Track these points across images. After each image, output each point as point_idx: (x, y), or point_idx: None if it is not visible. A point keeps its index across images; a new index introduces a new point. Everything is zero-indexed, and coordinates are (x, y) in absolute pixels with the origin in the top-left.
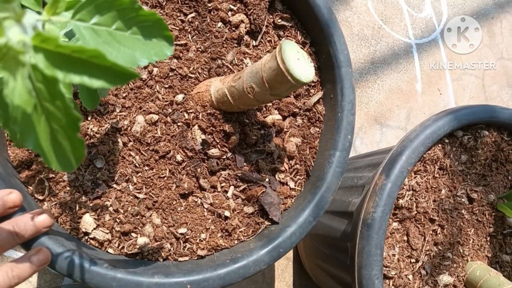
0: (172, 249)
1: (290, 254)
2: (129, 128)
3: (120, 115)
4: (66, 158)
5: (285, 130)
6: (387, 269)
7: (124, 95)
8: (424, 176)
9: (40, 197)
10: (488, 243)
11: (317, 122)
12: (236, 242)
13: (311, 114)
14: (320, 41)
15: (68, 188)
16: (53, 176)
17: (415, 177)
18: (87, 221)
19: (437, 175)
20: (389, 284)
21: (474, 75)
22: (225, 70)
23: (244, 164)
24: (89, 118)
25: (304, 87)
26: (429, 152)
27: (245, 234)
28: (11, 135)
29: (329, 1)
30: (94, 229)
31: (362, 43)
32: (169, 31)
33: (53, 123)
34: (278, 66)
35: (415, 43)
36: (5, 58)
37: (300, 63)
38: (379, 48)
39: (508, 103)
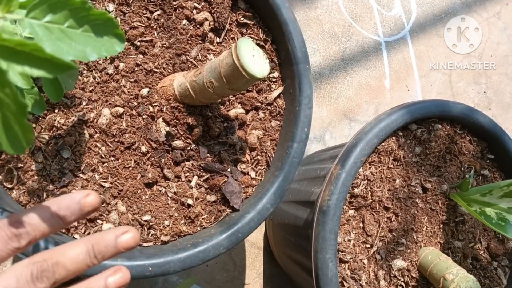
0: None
1: (261, 243)
2: (95, 120)
3: (86, 108)
4: (17, 141)
5: (248, 123)
6: (343, 253)
7: (90, 89)
8: (379, 167)
9: (9, 186)
10: (441, 230)
11: (278, 115)
12: (198, 228)
13: (272, 108)
14: (280, 39)
15: (36, 177)
16: (22, 165)
17: (369, 168)
18: None
19: (392, 166)
20: (344, 268)
21: (441, 71)
22: (189, 65)
23: (208, 155)
24: (56, 111)
25: (266, 82)
26: (383, 144)
27: (208, 221)
28: None
29: None
30: None
31: (333, 40)
32: (120, 28)
33: (4, 109)
34: (233, 62)
35: (384, 41)
36: None
37: (255, 60)
38: (349, 46)
39: (474, 99)
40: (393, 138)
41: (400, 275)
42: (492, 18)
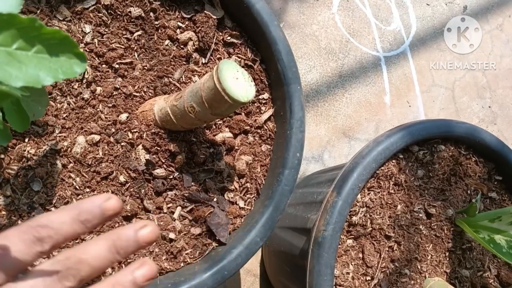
0: (113, 273)
1: (257, 270)
2: (69, 149)
3: (59, 136)
4: None
5: (236, 148)
6: (341, 287)
7: (64, 115)
8: (379, 193)
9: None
10: (447, 259)
11: (269, 139)
12: (182, 264)
13: (262, 132)
14: (269, 58)
15: (3, 212)
16: None
17: (368, 194)
18: None
19: (392, 191)
20: None
21: (444, 86)
22: (172, 88)
23: (192, 183)
24: (26, 140)
25: (255, 104)
26: (382, 168)
27: (192, 256)
28: None
29: (296, 16)
30: None
31: (330, 56)
32: (79, 48)
33: None
34: (215, 86)
35: (384, 56)
36: None
37: (239, 83)
38: (347, 62)
39: (478, 114)
40: (393, 161)
41: None
42: (495, 30)
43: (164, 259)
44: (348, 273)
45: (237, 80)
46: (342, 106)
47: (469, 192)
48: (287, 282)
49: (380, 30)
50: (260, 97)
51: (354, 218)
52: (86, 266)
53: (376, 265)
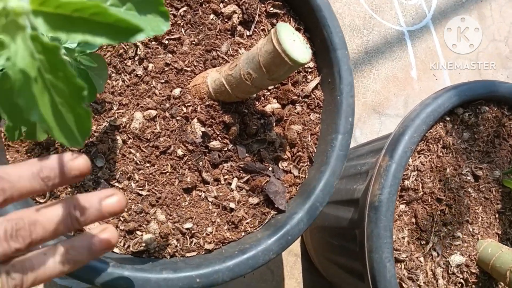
0: (178, 245)
1: (298, 250)
2: (127, 125)
3: (117, 113)
4: (72, 132)
5: (285, 118)
6: (398, 252)
7: (120, 92)
8: (428, 156)
9: (42, 200)
10: (497, 220)
11: (317, 108)
12: (243, 234)
13: (310, 100)
14: (314, 26)
15: (69, 189)
16: None
17: (419, 157)
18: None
19: (441, 154)
20: (400, 268)
21: (468, 58)
22: (221, 61)
23: (246, 154)
24: None
25: (301, 73)
26: (431, 131)
27: (252, 225)
28: (13, 122)
29: None
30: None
31: (355, 33)
32: (164, 6)
33: (56, 95)
34: (274, 48)
35: (407, 31)
36: (5, 23)
37: (296, 44)
38: (371, 38)
39: None
40: (441, 123)
41: (459, 272)
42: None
43: (226, 229)
44: (403, 237)
45: (295, 42)
46: (370, 82)
47: None
48: (333, 256)
49: (402, 4)
50: (305, 66)
51: (406, 182)
52: (39, 229)
53: (430, 229)
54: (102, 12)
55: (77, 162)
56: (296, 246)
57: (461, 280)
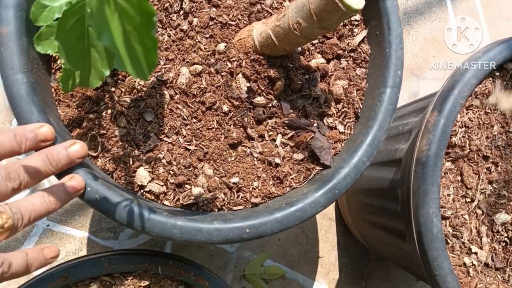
0: (226, 198)
1: (333, 214)
2: (174, 80)
3: (164, 68)
4: (139, 63)
5: (330, 73)
6: (443, 209)
7: (166, 47)
8: (476, 112)
9: (94, 154)
10: None
11: (363, 62)
12: (288, 189)
13: (356, 55)
14: None
15: (120, 143)
16: (105, 132)
17: (467, 113)
18: (142, 174)
19: (489, 111)
20: (445, 225)
21: (510, 19)
22: (265, 14)
23: (291, 110)
24: None
25: (347, 26)
26: (480, 86)
27: (297, 181)
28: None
29: None
30: (149, 182)
31: None
32: None
33: (126, 23)
34: None
35: None
36: None
37: None
38: None
39: None
40: (490, 79)
41: (504, 230)
42: None
43: (271, 184)
44: (449, 194)
45: None
46: (409, 44)
47: None
48: (372, 217)
49: None
50: (351, 18)
51: (453, 138)
52: (25, 172)
53: (475, 186)
54: None
55: (43, 130)
56: (330, 210)
57: (506, 239)
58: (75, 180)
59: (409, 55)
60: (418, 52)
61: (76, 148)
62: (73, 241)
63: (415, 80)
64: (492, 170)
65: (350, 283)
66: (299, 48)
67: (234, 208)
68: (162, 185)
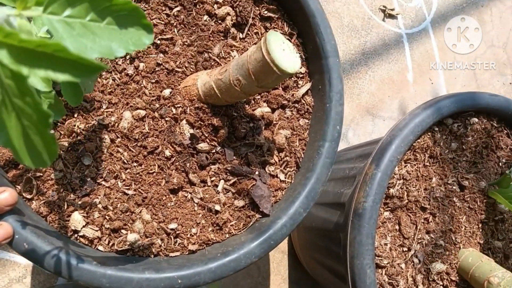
0: (163, 244)
1: (285, 247)
2: (116, 124)
3: (107, 112)
4: (38, 154)
5: (274, 122)
6: (379, 258)
7: (110, 91)
8: (415, 165)
9: (28, 196)
10: (480, 230)
11: (306, 113)
12: (227, 236)
13: (300, 106)
14: (307, 32)
15: (56, 186)
16: (41, 174)
17: (405, 166)
18: (76, 219)
19: (428, 164)
20: (381, 273)
21: (465, 63)
22: (212, 63)
23: (234, 157)
24: (75, 115)
25: (292, 78)
26: (418, 140)
27: (236, 228)
28: None
29: None
30: (84, 226)
31: (352, 34)
32: (147, 18)
33: (24, 119)
34: (263, 57)
35: (406, 33)
36: None
37: (285, 54)
38: (369, 39)
39: (499, 91)
40: (429, 133)
41: (439, 279)
42: None
43: (210, 230)
44: (386, 244)
45: (284, 52)
46: (365, 83)
47: (500, 164)
48: (319, 256)
49: (402, 6)
50: (297, 72)
51: (391, 190)
52: None
53: (413, 236)
54: (63, 49)
55: (3, 196)
56: (283, 244)
57: (441, 287)
58: (2, 229)
59: (365, 94)
60: (374, 91)
61: (4, 196)
62: (17, 268)
63: (370, 119)
64: (430, 220)
65: None
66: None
67: (171, 254)
68: (96, 230)
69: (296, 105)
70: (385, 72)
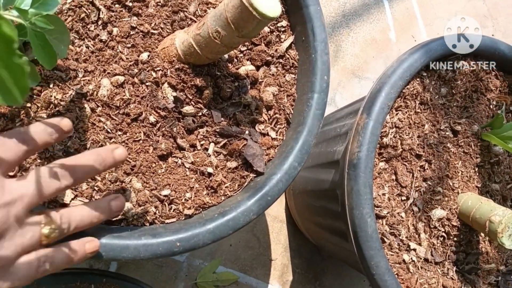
0: (157, 212)
1: (284, 217)
2: (95, 92)
3: (83, 80)
4: (8, 91)
5: (260, 80)
6: (379, 208)
7: (85, 58)
8: (406, 112)
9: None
10: (477, 174)
11: (292, 68)
12: (223, 198)
13: (285, 61)
14: None
15: (39, 161)
16: None
17: (396, 114)
18: (64, 192)
19: (419, 110)
20: (382, 224)
21: (446, 18)
22: (189, 22)
23: (222, 119)
24: (51, 86)
25: (274, 33)
26: (408, 87)
27: (231, 189)
28: None
29: None
30: (72, 199)
31: None
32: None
33: None
34: (241, 3)
35: None
36: None
37: None
38: (349, 0)
39: None
40: (418, 79)
41: (441, 225)
42: None
43: (205, 194)
44: (384, 194)
45: None
46: (349, 46)
47: (491, 106)
48: (317, 218)
49: None
50: (278, 25)
51: (385, 139)
52: (78, 172)
53: (410, 185)
54: None
55: (63, 122)
56: (281, 213)
57: (443, 234)
58: (120, 200)
59: (349, 57)
60: (358, 53)
61: (120, 151)
62: None
63: (357, 81)
64: (425, 168)
65: (304, 283)
66: (226, 56)
67: (167, 221)
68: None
69: (281, 60)
70: (367, 33)
